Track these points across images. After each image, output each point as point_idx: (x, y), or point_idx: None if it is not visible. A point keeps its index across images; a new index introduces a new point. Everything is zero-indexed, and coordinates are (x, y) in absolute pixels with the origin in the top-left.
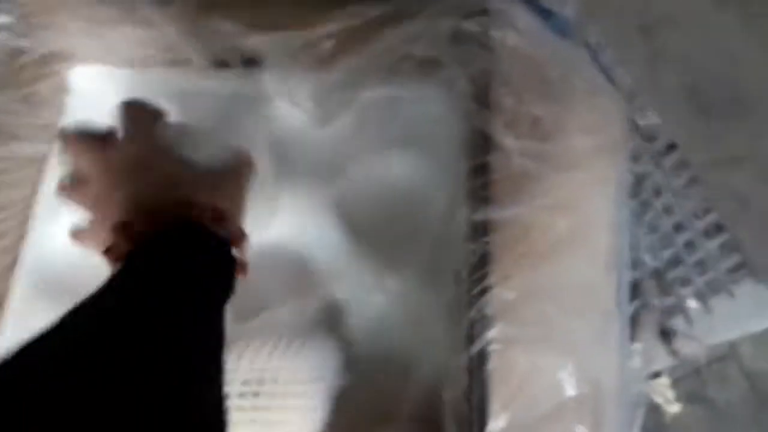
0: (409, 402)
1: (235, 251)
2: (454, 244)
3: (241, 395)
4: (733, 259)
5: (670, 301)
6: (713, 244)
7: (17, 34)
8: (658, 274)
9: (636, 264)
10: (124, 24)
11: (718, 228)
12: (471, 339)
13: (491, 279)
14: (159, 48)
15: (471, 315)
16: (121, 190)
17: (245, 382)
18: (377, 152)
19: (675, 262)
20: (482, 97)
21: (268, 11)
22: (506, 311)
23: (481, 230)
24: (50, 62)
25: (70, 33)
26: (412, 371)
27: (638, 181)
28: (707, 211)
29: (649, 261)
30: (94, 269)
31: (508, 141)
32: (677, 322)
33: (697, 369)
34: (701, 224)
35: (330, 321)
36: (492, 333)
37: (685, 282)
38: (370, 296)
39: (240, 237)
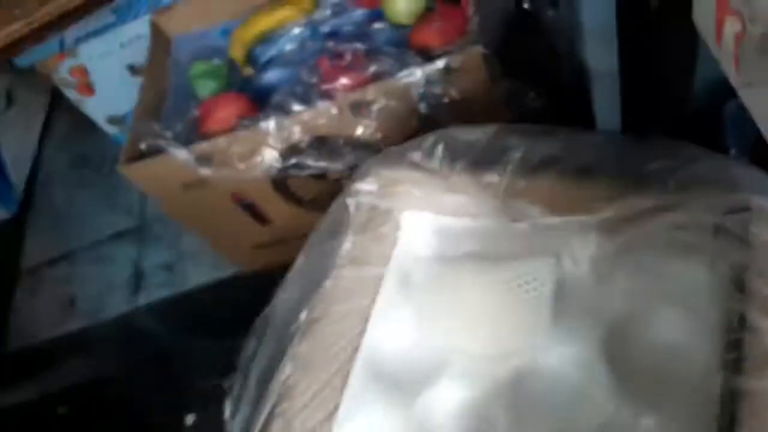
0: None
1: None
2: (707, 401)
3: None
4: None
5: None
6: None
7: (377, 196)
8: None
9: None
10: (446, 189)
11: None
12: None
13: None
14: (469, 206)
15: None
16: None
17: None
18: (646, 306)
19: None
20: (739, 282)
21: (563, 199)
22: None
23: (732, 396)
24: (392, 210)
25: (408, 194)
26: None
27: None
28: None
29: None
30: (420, 363)
31: (761, 323)
32: None
33: None
34: None
35: None
36: None
37: None
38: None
39: None
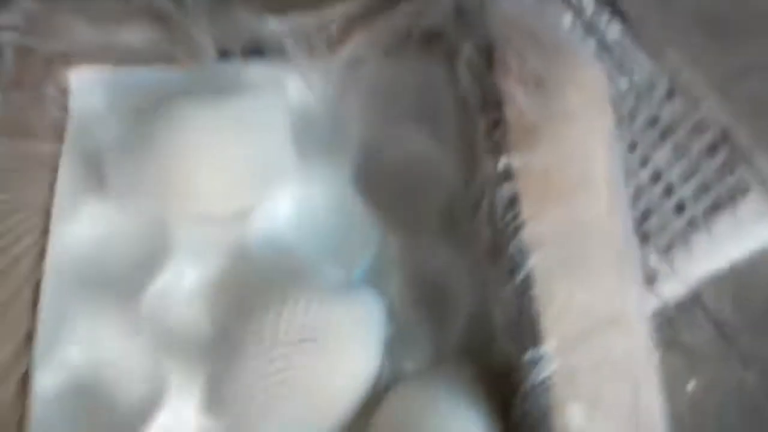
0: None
1: None
2: (471, 197)
3: (301, 341)
4: (735, 177)
5: (667, 233)
6: (713, 165)
7: (23, 33)
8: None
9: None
10: (133, 19)
11: (714, 147)
12: (512, 271)
13: (523, 216)
14: (165, 42)
15: (510, 250)
16: None
17: (301, 330)
18: (390, 124)
19: (669, 192)
20: (488, 63)
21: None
22: (540, 244)
23: (506, 176)
24: (55, 62)
25: (76, 32)
26: (454, 311)
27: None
28: (705, 129)
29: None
30: (115, 257)
31: (518, 96)
32: (657, 265)
33: (669, 318)
34: (699, 145)
35: (367, 279)
36: (532, 262)
37: (681, 209)
38: (400, 255)
39: None
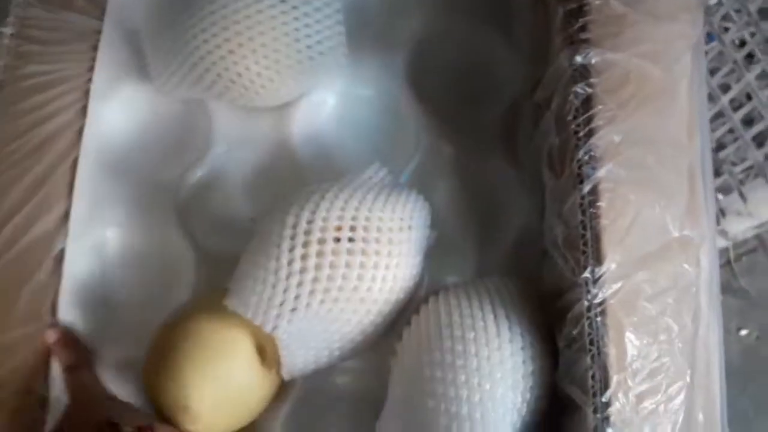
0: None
1: None
2: (539, 99)
3: (336, 240)
4: None
5: (721, 180)
6: None
7: None
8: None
9: None
10: None
11: None
12: (581, 178)
13: (597, 121)
14: None
15: (578, 157)
16: None
17: (339, 229)
18: (452, 14)
19: (729, 138)
20: None
21: None
22: (613, 153)
23: (582, 73)
24: None
25: None
26: (503, 225)
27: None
28: None
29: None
30: (153, 143)
31: None
32: (728, 200)
33: (727, 261)
34: (765, 95)
35: (413, 184)
36: (601, 172)
37: (739, 159)
38: (451, 162)
39: None
